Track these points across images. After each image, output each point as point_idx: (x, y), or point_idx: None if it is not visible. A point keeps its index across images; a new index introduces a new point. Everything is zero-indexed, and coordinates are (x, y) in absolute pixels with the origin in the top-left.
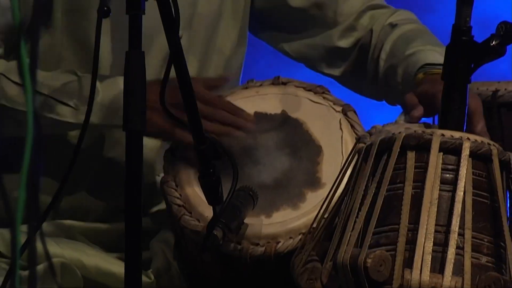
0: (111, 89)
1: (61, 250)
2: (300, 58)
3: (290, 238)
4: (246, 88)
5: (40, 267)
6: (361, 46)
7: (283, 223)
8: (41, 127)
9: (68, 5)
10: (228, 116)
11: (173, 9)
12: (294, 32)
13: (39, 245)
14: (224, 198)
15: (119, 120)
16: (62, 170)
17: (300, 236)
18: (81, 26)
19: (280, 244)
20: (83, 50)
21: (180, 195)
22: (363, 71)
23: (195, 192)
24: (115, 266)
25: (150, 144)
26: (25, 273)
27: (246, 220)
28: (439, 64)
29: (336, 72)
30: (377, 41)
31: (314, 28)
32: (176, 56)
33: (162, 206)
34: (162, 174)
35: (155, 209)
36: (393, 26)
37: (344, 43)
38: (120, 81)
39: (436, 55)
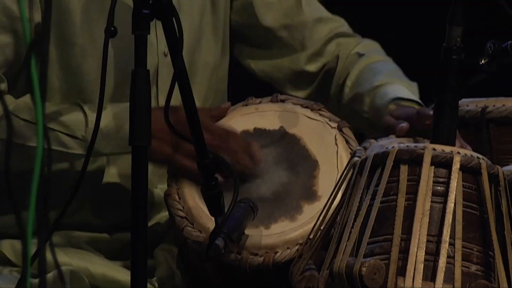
0: (115, 118)
1: (69, 259)
2: (265, 77)
3: (288, 248)
4: (246, 105)
5: (50, 275)
6: (326, 71)
7: (281, 234)
8: (50, 157)
9: (59, 36)
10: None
11: (176, 31)
12: (261, 51)
13: (48, 255)
14: (226, 210)
15: (125, 148)
16: (68, 189)
17: (297, 247)
18: (72, 55)
19: (278, 254)
20: (73, 78)
21: (183, 207)
22: (326, 95)
23: (197, 205)
24: (121, 274)
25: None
26: (36, 280)
27: (246, 231)
28: (409, 99)
29: (301, 94)
30: (342, 68)
31: (281, 49)
32: (180, 74)
33: (161, 217)
34: (159, 186)
35: (154, 221)
36: (360, 55)
37: (311, 67)
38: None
39: (404, 90)
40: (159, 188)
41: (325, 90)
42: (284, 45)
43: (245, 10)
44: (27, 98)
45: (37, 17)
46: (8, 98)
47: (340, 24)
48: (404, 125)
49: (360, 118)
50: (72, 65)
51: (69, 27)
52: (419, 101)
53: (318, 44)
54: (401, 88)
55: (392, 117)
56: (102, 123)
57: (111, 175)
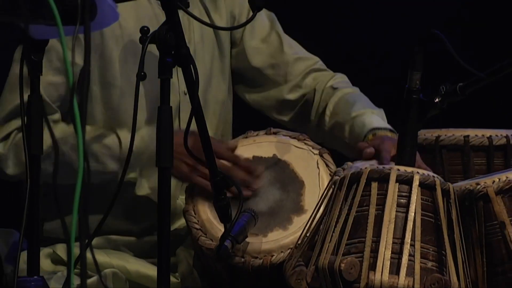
0: (143, 143)
1: (110, 259)
2: (256, 106)
3: (282, 252)
4: (246, 137)
5: (94, 279)
6: (305, 100)
7: (276, 241)
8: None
9: (102, 79)
10: (243, 175)
11: (193, 74)
12: (253, 86)
13: (91, 256)
14: (233, 218)
15: (152, 165)
16: (105, 200)
17: (289, 250)
18: (113, 95)
19: (274, 257)
20: (113, 113)
21: (198, 221)
22: (307, 120)
23: (209, 219)
24: (150, 270)
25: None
26: (92, 279)
27: (248, 239)
28: (382, 128)
29: (284, 118)
30: (320, 99)
31: (268, 83)
32: (196, 109)
33: (181, 223)
34: (180, 197)
35: (175, 226)
36: (334, 88)
37: (292, 96)
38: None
39: (378, 119)
40: (180, 199)
41: (305, 116)
42: (270, 80)
43: (239, 55)
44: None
45: (80, 61)
46: (61, 126)
47: (315, 61)
48: (369, 150)
49: (339, 142)
50: (113, 103)
51: (111, 72)
52: (390, 127)
53: (298, 78)
54: (375, 118)
55: (365, 143)
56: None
57: (143, 188)
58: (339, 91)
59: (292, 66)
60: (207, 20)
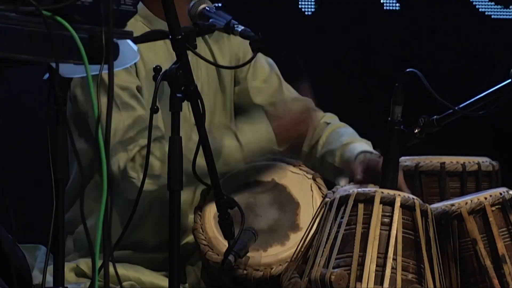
0: None
1: (127, 272)
2: None
3: (280, 265)
4: (248, 164)
5: None
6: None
7: (275, 255)
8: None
9: None
10: None
11: (200, 107)
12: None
13: (111, 268)
14: (236, 235)
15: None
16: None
17: (286, 264)
18: None
19: (273, 269)
20: None
21: (205, 237)
22: (298, 151)
23: (215, 235)
24: (162, 281)
25: (183, 198)
26: None
27: (249, 254)
28: (371, 152)
29: (280, 148)
30: (313, 133)
31: (268, 119)
32: (203, 139)
33: (190, 239)
34: (190, 216)
35: (185, 241)
36: (327, 124)
37: None
38: None
39: (366, 146)
40: (190, 218)
41: (297, 148)
42: (270, 116)
43: (242, 93)
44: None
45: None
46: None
47: (309, 102)
48: (359, 177)
49: (329, 167)
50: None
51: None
52: (378, 153)
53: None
54: (364, 145)
55: (361, 163)
56: None
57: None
58: (331, 125)
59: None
60: (211, 59)
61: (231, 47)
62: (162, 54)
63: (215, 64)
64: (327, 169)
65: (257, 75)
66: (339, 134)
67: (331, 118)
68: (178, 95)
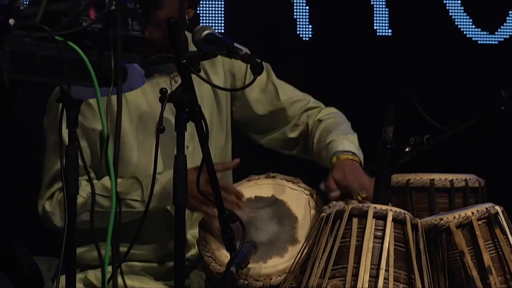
0: (161, 184)
1: (133, 283)
2: (269, 146)
3: (279, 276)
4: (249, 180)
5: None
6: (303, 135)
7: (274, 266)
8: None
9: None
10: (232, 199)
11: (204, 127)
12: (260, 131)
13: (119, 279)
14: (237, 248)
15: (169, 203)
16: (131, 235)
17: (285, 275)
18: (124, 150)
19: (272, 280)
20: (123, 165)
21: (209, 249)
22: (308, 150)
23: (219, 248)
24: None
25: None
26: None
27: (250, 265)
28: (345, 151)
29: (291, 153)
30: (311, 132)
31: (273, 127)
32: (207, 157)
33: (193, 252)
34: (189, 232)
35: (188, 254)
36: (320, 121)
37: (293, 134)
38: (163, 179)
39: (345, 143)
40: (189, 233)
41: (306, 147)
42: (274, 125)
43: (244, 107)
44: (104, 181)
45: (99, 127)
46: (97, 184)
47: (308, 101)
48: (333, 194)
49: (323, 164)
50: (125, 157)
51: (125, 144)
52: (353, 151)
53: (295, 118)
54: (342, 143)
55: (330, 180)
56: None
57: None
58: (323, 122)
59: (288, 109)
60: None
61: (225, 65)
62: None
63: (216, 86)
64: (323, 165)
65: (254, 86)
66: (328, 131)
67: (325, 113)
68: (183, 115)
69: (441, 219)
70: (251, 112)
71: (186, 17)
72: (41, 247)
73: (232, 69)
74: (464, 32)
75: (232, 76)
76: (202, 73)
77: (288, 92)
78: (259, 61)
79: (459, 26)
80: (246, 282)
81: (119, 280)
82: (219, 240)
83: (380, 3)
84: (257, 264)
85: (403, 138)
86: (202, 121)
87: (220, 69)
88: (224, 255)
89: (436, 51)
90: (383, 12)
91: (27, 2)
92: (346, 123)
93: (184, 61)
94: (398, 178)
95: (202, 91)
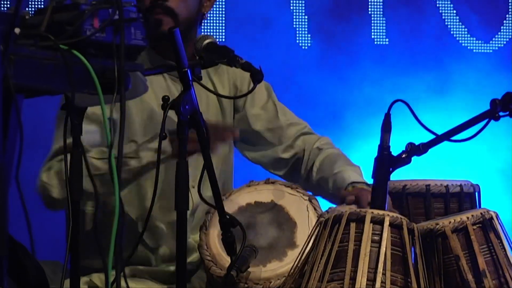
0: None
1: (135, 285)
2: (255, 162)
3: (278, 279)
4: (249, 186)
5: None
6: (297, 158)
7: (273, 270)
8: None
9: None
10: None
11: (205, 133)
12: (253, 146)
13: (122, 282)
14: (237, 252)
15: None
16: (134, 239)
17: (284, 278)
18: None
19: (272, 283)
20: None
21: (209, 254)
22: (297, 174)
23: (219, 252)
24: None
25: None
26: None
27: (250, 269)
28: (359, 182)
29: (280, 173)
30: (308, 158)
31: (266, 144)
32: (207, 162)
33: (195, 257)
34: (191, 236)
35: (190, 259)
36: (319, 149)
37: (285, 155)
38: None
39: (356, 175)
40: (191, 238)
41: (296, 171)
42: (267, 142)
43: (242, 120)
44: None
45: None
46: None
47: (304, 126)
48: (351, 197)
49: (324, 192)
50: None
51: (132, 130)
52: (366, 181)
53: (290, 140)
54: (353, 174)
55: (352, 193)
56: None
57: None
58: (323, 151)
59: (285, 130)
60: (212, 88)
61: (230, 76)
62: (160, 87)
63: (218, 94)
64: (322, 193)
65: (255, 102)
66: (332, 161)
67: (323, 142)
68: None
69: (437, 224)
70: (248, 126)
71: (203, 9)
72: (45, 250)
73: (236, 82)
74: (460, 41)
75: (235, 88)
76: (208, 83)
77: (286, 114)
78: (258, 69)
79: (454, 35)
80: (246, 285)
81: (123, 283)
82: (220, 244)
83: (378, 12)
84: (257, 268)
85: (399, 145)
86: (204, 127)
87: (225, 81)
88: (225, 259)
89: (431, 59)
90: (380, 21)
91: (32, 12)
92: (345, 155)
93: (185, 69)
94: (395, 183)
95: (209, 100)
